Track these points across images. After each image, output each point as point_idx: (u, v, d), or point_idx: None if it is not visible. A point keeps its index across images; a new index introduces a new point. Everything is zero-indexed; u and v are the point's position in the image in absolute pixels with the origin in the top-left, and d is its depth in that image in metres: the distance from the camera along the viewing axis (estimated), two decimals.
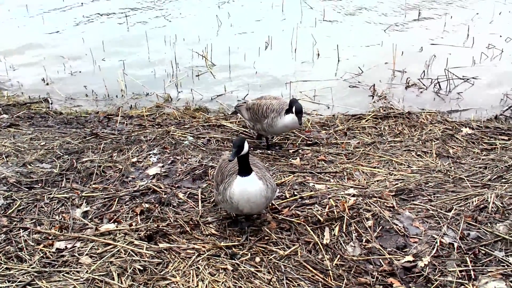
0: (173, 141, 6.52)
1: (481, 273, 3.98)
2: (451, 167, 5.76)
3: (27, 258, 4.26)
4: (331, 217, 4.65)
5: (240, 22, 11.26)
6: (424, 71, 8.71)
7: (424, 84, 8.40)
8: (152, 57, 9.71)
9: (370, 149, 6.40)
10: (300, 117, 6.02)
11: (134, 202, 5.05)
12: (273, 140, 6.83)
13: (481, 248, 4.21)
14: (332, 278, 3.98)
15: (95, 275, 4.00)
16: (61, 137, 6.73)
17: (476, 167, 5.70)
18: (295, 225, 4.59)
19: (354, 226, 4.54)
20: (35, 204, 5.05)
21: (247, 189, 4.20)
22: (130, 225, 4.64)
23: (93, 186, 5.44)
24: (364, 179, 5.58)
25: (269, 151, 6.45)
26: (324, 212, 4.72)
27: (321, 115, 7.63)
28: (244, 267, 4.07)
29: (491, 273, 3.96)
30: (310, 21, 11.13)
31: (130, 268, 4.04)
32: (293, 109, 6.01)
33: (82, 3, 12.41)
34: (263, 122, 6.23)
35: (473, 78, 8.43)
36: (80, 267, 4.13)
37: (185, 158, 5.98)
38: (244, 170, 4.21)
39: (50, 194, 5.22)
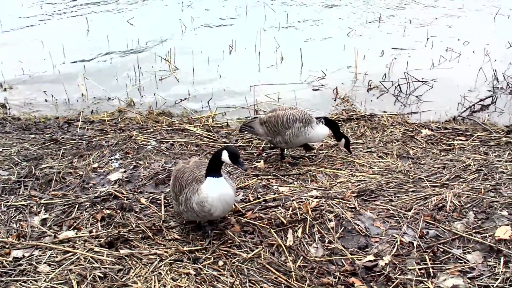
0: (135, 146, 6.44)
1: (440, 270, 4.06)
2: (411, 168, 5.88)
3: None
4: (295, 219, 4.67)
5: (203, 26, 11.26)
6: (385, 74, 8.88)
7: (385, 87, 8.56)
8: (114, 61, 9.59)
9: (333, 151, 6.47)
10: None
11: (94, 208, 4.95)
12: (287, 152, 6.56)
13: (440, 246, 4.30)
14: (295, 279, 3.99)
15: (53, 284, 3.90)
16: (19, 143, 6.55)
17: (435, 167, 5.83)
18: (258, 228, 4.58)
19: (317, 228, 4.57)
20: None
21: (224, 189, 4.21)
22: (90, 231, 4.55)
23: (52, 193, 5.31)
24: (327, 181, 5.64)
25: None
26: (287, 215, 4.74)
27: None
28: (207, 271, 4.04)
29: (449, 270, 4.05)
30: (273, 25, 11.21)
31: (90, 276, 3.96)
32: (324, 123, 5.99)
33: (41, 6, 12.15)
34: (285, 133, 5.93)
35: (432, 80, 8.64)
36: (38, 276, 4.02)
37: (148, 162, 5.91)
38: (217, 172, 4.22)
39: (8, 201, 5.08)
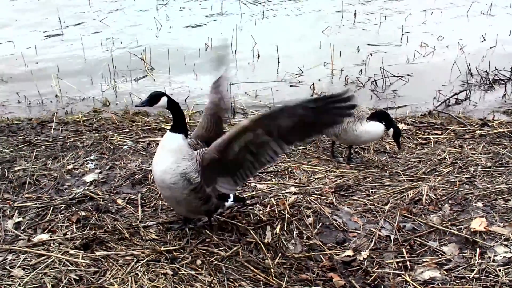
0: (111, 146, 6.34)
1: (417, 263, 4.10)
2: (387, 162, 5.93)
3: None
4: (273, 216, 4.66)
5: (179, 24, 11.17)
6: (361, 69, 8.95)
7: (361, 82, 8.62)
8: (88, 61, 9.43)
9: (311, 147, 6.48)
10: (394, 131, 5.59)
11: (70, 210, 4.85)
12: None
13: (416, 239, 4.34)
14: (273, 276, 3.98)
15: None
16: None
17: (411, 161, 5.89)
18: (236, 225, 4.56)
19: (295, 224, 4.57)
20: None
21: (166, 143, 3.89)
22: (65, 234, 4.46)
23: (26, 195, 5.19)
24: (305, 177, 5.64)
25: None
26: (265, 212, 4.73)
27: None
28: (185, 270, 4.00)
29: (426, 262, 4.09)
30: (249, 22, 11.19)
31: (65, 279, 3.89)
32: (378, 118, 5.61)
33: (13, 5, 11.91)
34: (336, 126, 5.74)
35: (407, 75, 8.73)
36: (12, 280, 3.93)
37: (124, 163, 5.83)
38: (174, 125, 3.89)
39: None
